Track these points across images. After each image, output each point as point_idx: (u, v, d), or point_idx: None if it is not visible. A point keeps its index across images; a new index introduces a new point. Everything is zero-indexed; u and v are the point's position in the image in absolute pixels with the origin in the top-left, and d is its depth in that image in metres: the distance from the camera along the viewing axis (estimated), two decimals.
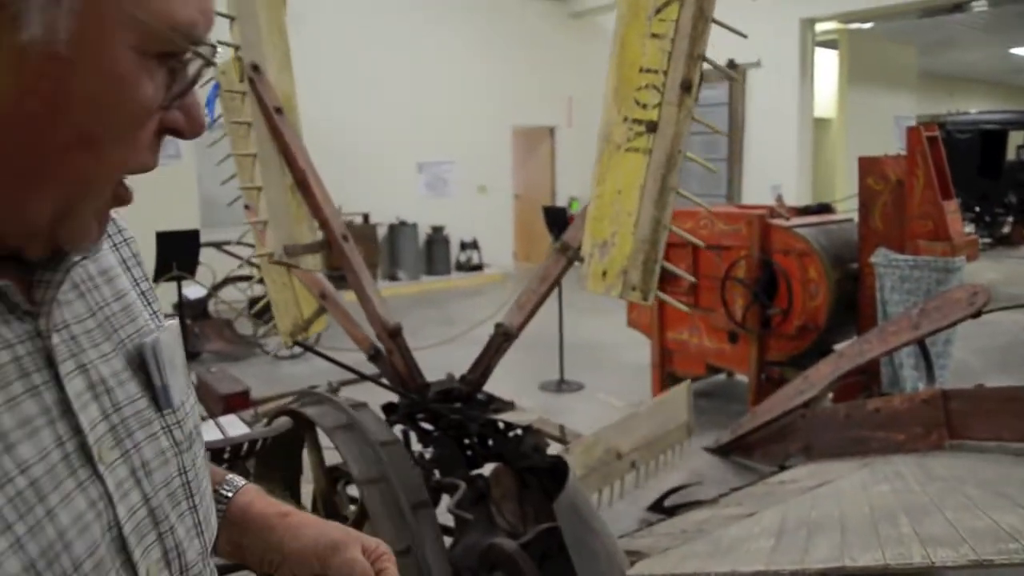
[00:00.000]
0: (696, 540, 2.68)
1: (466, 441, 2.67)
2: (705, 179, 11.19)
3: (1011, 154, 14.47)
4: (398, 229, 11.06)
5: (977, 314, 3.38)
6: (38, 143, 0.54)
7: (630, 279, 2.38)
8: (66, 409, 0.59)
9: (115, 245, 0.76)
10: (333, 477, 2.36)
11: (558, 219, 6.41)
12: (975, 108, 16.38)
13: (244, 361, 6.85)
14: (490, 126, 11.95)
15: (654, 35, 2.25)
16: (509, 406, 2.76)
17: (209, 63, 0.60)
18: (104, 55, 0.53)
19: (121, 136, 0.57)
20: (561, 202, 12.58)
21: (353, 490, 2.57)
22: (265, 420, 2.73)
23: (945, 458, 3.15)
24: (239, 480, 0.91)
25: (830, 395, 4.34)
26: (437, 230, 11.42)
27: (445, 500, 2.40)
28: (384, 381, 2.73)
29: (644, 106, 2.30)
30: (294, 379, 5.98)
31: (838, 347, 4.74)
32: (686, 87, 2.22)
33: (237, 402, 4.07)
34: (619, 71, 2.34)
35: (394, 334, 2.65)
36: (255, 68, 2.59)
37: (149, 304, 0.77)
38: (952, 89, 18.68)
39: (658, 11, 2.18)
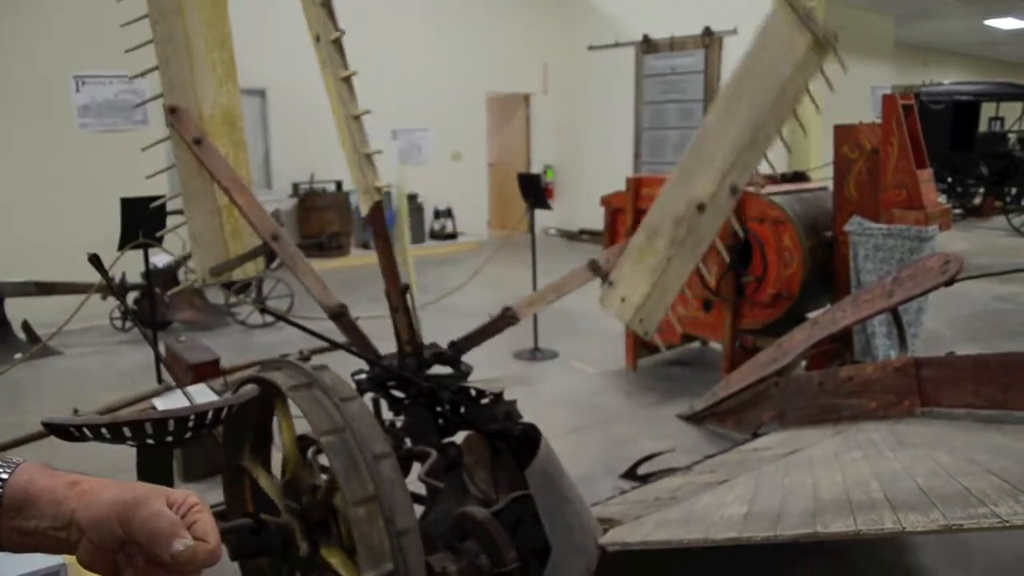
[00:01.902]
0: (669, 507, 2.67)
1: (438, 409, 2.64)
2: (680, 146, 11.16)
3: (983, 126, 14.57)
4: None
5: (950, 282, 3.39)
6: None
7: (640, 315, 3.00)
8: None
9: None
10: (303, 445, 2.31)
11: (532, 186, 6.35)
12: (949, 79, 16.45)
13: (215, 331, 6.76)
14: (465, 93, 11.81)
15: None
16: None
17: None
18: None
19: None
20: (536, 170, 12.51)
21: (324, 459, 2.54)
22: (233, 389, 2.68)
23: (916, 425, 3.17)
24: (15, 459, 0.79)
25: (803, 363, 4.36)
26: (411, 198, 11.30)
27: (417, 469, 2.38)
28: (356, 349, 2.69)
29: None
30: (266, 348, 5.92)
31: (812, 315, 4.76)
32: (733, 191, 3.10)
33: (207, 371, 4.01)
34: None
35: (337, 315, 2.68)
36: (172, 111, 2.83)
37: None
38: (927, 60, 18.72)
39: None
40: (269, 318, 6.86)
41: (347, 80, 2.88)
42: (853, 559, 3.05)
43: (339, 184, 10.42)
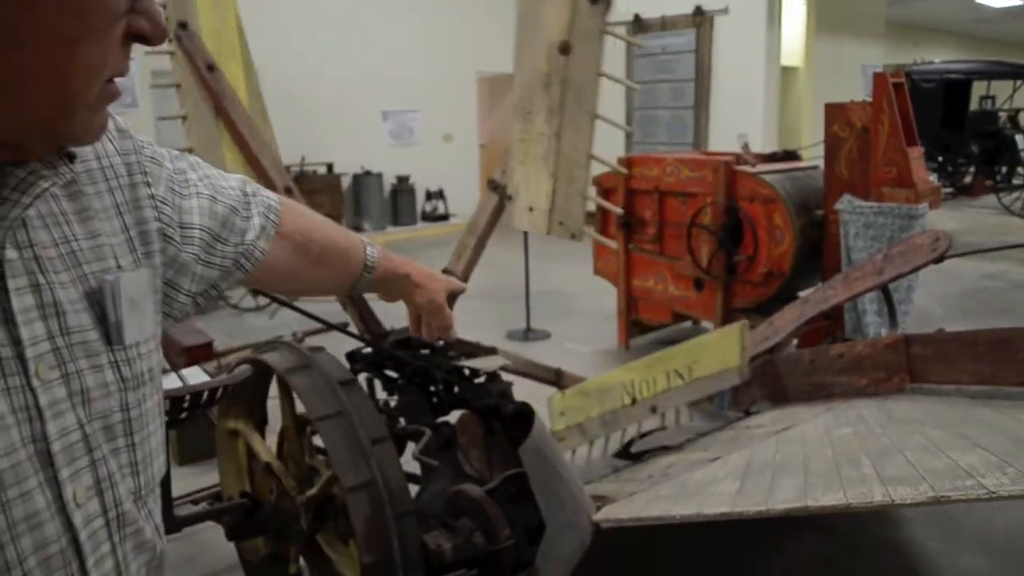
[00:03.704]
0: (661, 484, 2.70)
1: (431, 388, 2.65)
2: (672, 127, 11.14)
3: (974, 104, 14.58)
4: (363, 179, 10.92)
5: (939, 259, 3.41)
6: (19, 47, 0.58)
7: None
8: (8, 319, 0.63)
9: (117, 188, 0.79)
10: (300, 424, 2.33)
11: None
12: (940, 58, 16.44)
13: (208, 314, 6.76)
14: (455, 73, 11.76)
15: (667, 375, 3.27)
16: (490, 351, 2.75)
17: None
18: None
19: (92, 37, 0.61)
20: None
21: (320, 441, 2.55)
22: (227, 371, 2.69)
23: (906, 401, 3.19)
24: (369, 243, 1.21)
25: (795, 341, 4.38)
26: (402, 180, 11.28)
27: (411, 448, 2.40)
28: (351, 330, 2.69)
29: (640, 390, 3.20)
30: (259, 331, 5.92)
31: (803, 293, 4.78)
32: (653, 410, 3.24)
33: (200, 354, 4.00)
34: (653, 361, 3.36)
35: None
36: (182, 25, 2.59)
37: (138, 248, 0.80)
38: (919, 39, 18.72)
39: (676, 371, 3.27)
40: (262, 301, 6.86)
41: (595, 118, 2.64)
42: (843, 533, 3.09)
43: (330, 166, 10.39)
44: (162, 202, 0.84)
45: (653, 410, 3.29)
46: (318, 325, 2.88)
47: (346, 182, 10.81)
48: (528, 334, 5.98)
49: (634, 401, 3.30)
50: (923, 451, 2.23)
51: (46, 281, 0.67)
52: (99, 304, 0.72)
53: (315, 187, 10.01)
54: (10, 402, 0.62)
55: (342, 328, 2.74)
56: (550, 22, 2.56)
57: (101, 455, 0.70)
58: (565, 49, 2.50)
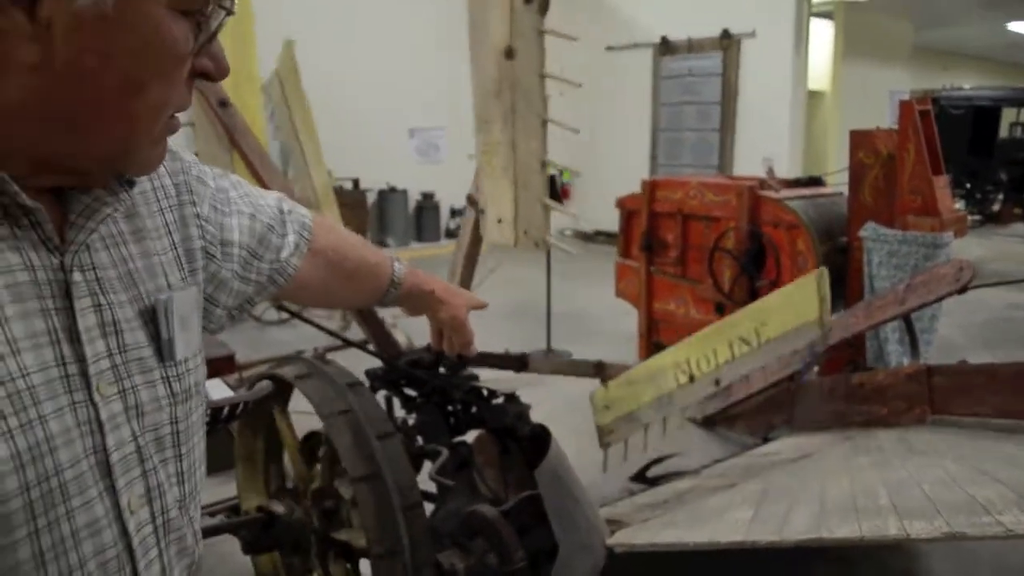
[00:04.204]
0: (676, 510, 2.69)
1: (449, 408, 2.67)
2: (697, 149, 11.16)
3: (1004, 131, 14.46)
4: (388, 195, 11.00)
5: (963, 290, 3.39)
6: (94, 91, 0.64)
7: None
8: (74, 337, 0.68)
9: (167, 208, 0.84)
10: (312, 443, 2.35)
11: (549, 187, 6.37)
12: (969, 84, 16.34)
13: (232, 326, 6.82)
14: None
15: (730, 345, 3.10)
16: (520, 358, 2.81)
17: (230, 12, 0.71)
18: (141, 12, 0.63)
19: (160, 79, 0.67)
20: (552, 171, 12.52)
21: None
22: (248, 385, 2.73)
23: (926, 433, 3.17)
24: (397, 259, 1.27)
25: (816, 368, 4.36)
26: (427, 196, 11.35)
27: (427, 468, 2.41)
28: (370, 348, 2.72)
29: (698, 367, 3.09)
30: (281, 345, 5.96)
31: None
32: (716, 383, 3.09)
33: (222, 366, 4.04)
34: (710, 334, 3.19)
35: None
36: None
37: (185, 265, 0.85)
38: (947, 64, 18.61)
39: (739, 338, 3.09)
40: (285, 314, 6.92)
41: (546, 123, 2.72)
42: (859, 564, 3.06)
43: (356, 182, 10.47)
44: (206, 221, 0.89)
45: (717, 383, 3.15)
46: (338, 341, 2.92)
47: (371, 198, 10.89)
48: (549, 354, 5.98)
49: (692, 379, 3.16)
50: (941, 484, 2.22)
51: (106, 301, 0.71)
52: (153, 322, 0.77)
53: (341, 202, 10.02)
54: (75, 416, 0.67)
55: (362, 345, 2.77)
56: (495, 28, 2.66)
57: (152, 466, 0.75)
58: (510, 54, 2.62)
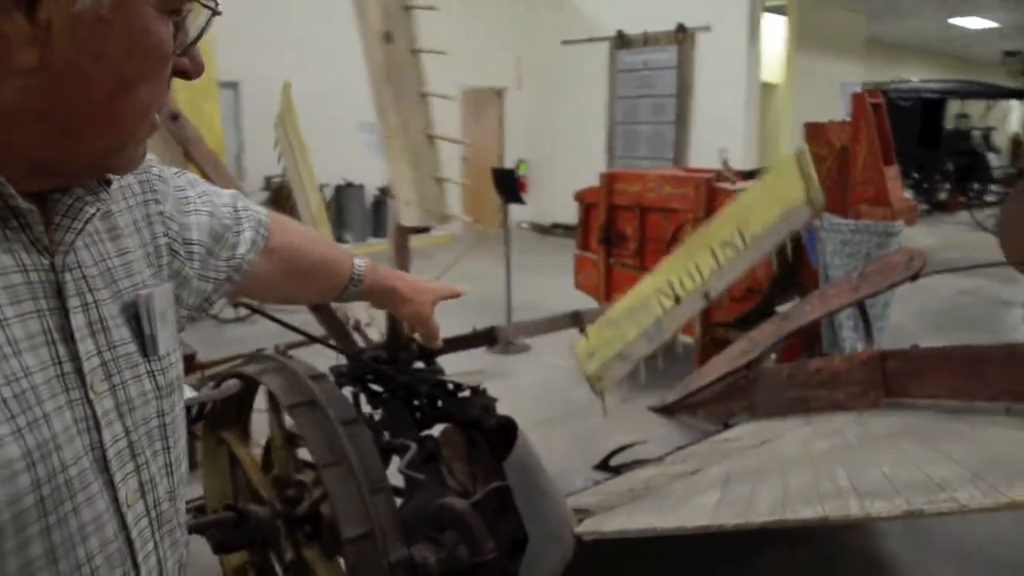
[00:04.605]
0: (643, 497, 2.73)
1: (415, 402, 2.67)
2: (653, 142, 11.26)
3: (950, 123, 14.82)
4: (345, 191, 10.91)
5: (914, 277, 3.48)
6: (89, 93, 0.64)
7: (600, 372, 3.11)
8: (68, 336, 0.69)
9: (134, 205, 0.84)
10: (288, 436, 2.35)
11: (507, 181, 6.40)
12: (916, 77, 16.71)
13: (188, 325, 6.73)
14: (438, 87, 11.76)
15: (713, 254, 3.09)
16: (487, 332, 2.88)
17: (216, 12, 0.72)
18: (133, 14, 0.64)
19: (148, 79, 0.68)
20: (509, 164, 12.54)
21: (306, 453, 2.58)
22: (211, 384, 2.71)
23: (882, 416, 3.25)
24: (359, 260, 1.28)
25: (773, 356, 4.44)
26: (384, 191, 11.28)
27: (395, 462, 2.41)
28: (332, 342, 2.72)
29: (682, 286, 3.06)
30: (240, 342, 5.89)
31: (781, 309, 4.84)
32: (706, 296, 3.11)
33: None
34: (685, 252, 3.21)
35: (318, 305, 2.69)
36: None
37: (155, 262, 0.85)
38: (897, 57, 19.01)
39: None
40: (242, 311, 6.84)
41: (424, 97, 2.76)
42: (820, 545, 3.13)
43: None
44: (169, 218, 0.89)
45: (706, 296, 3.05)
46: (301, 337, 2.90)
47: (328, 193, 10.80)
48: (508, 347, 6.00)
49: (678, 300, 3.07)
50: (899, 465, 2.28)
51: (92, 299, 0.72)
52: (135, 318, 0.78)
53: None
54: (73, 414, 0.68)
55: (325, 341, 2.76)
56: (372, 14, 2.73)
57: (144, 460, 0.76)
58: (388, 37, 2.71)
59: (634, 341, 3.10)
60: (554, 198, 11.61)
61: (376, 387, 2.68)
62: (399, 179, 2.77)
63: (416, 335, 1.50)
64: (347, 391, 2.62)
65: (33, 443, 0.62)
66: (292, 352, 3.80)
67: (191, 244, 0.93)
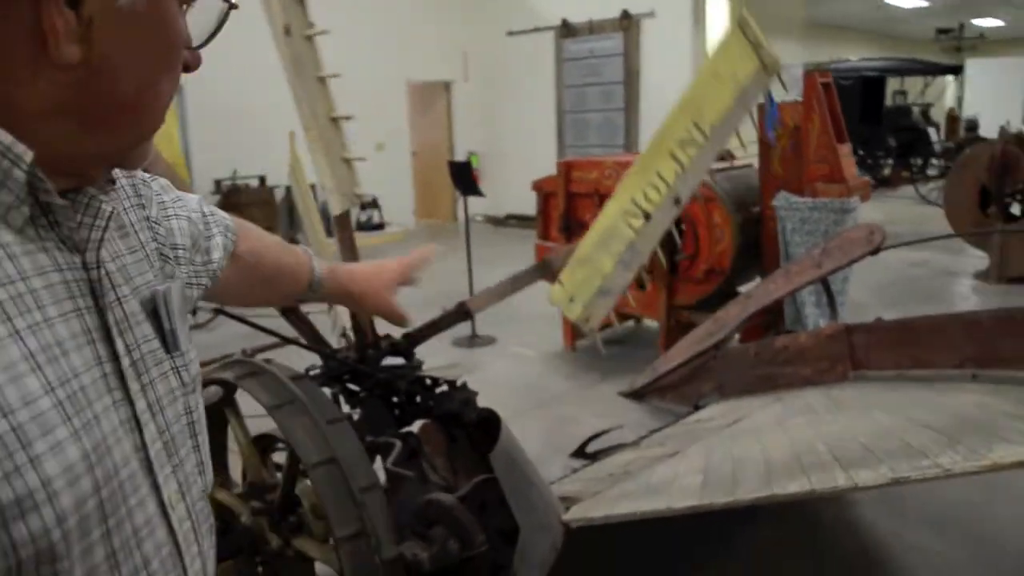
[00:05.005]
0: (626, 482, 2.75)
1: (394, 399, 2.65)
2: (603, 129, 11.31)
3: (889, 100, 15.15)
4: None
5: (876, 251, 3.55)
6: (119, 86, 0.64)
7: (586, 313, 3.12)
8: (105, 335, 0.67)
9: (131, 207, 0.83)
10: (262, 446, 2.31)
11: (463, 174, 6.37)
12: (856, 56, 17.02)
13: None
14: (385, 82, 11.70)
15: (674, 157, 2.95)
16: (459, 308, 2.85)
17: (233, 6, 0.73)
18: (163, 7, 0.65)
19: (168, 73, 0.68)
20: (459, 157, 12.50)
21: (279, 457, 2.54)
22: None
23: (850, 389, 3.32)
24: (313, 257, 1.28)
25: (737, 335, 4.50)
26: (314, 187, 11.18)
27: (377, 461, 2.39)
28: (305, 342, 2.68)
29: (648, 200, 3.00)
30: (206, 348, 5.78)
31: (743, 289, 4.91)
32: (676, 202, 3.02)
33: None
34: (641, 165, 3.09)
35: (287, 309, 2.65)
36: None
37: (155, 263, 0.83)
38: (834, 38, 19.34)
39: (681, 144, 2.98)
40: (200, 318, 6.72)
41: (323, 80, 2.76)
42: (797, 519, 3.18)
43: (262, 179, 10.24)
44: (156, 223, 0.87)
45: (677, 202, 2.96)
46: (268, 340, 2.86)
47: (279, 194, 10.66)
48: (474, 340, 5.99)
49: (647, 216, 2.96)
50: (875, 435, 2.32)
51: (116, 296, 0.70)
52: (154, 314, 0.76)
53: (248, 201, 9.86)
54: (118, 415, 0.66)
55: (299, 342, 2.72)
56: (274, 11, 2.73)
57: (178, 460, 0.74)
58: (288, 31, 2.71)
59: (612, 272, 3.02)
60: (507, 189, 11.60)
61: (353, 387, 2.65)
62: (321, 169, 2.77)
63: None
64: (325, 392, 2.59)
65: (90, 445, 0.61)
66: (259, 356, 3.75)
67: (177, 249, 0.91)
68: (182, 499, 0.74)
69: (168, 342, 0.76)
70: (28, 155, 0.60)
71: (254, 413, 2.23)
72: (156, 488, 0.70)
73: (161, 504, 0.70)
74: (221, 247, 1.03)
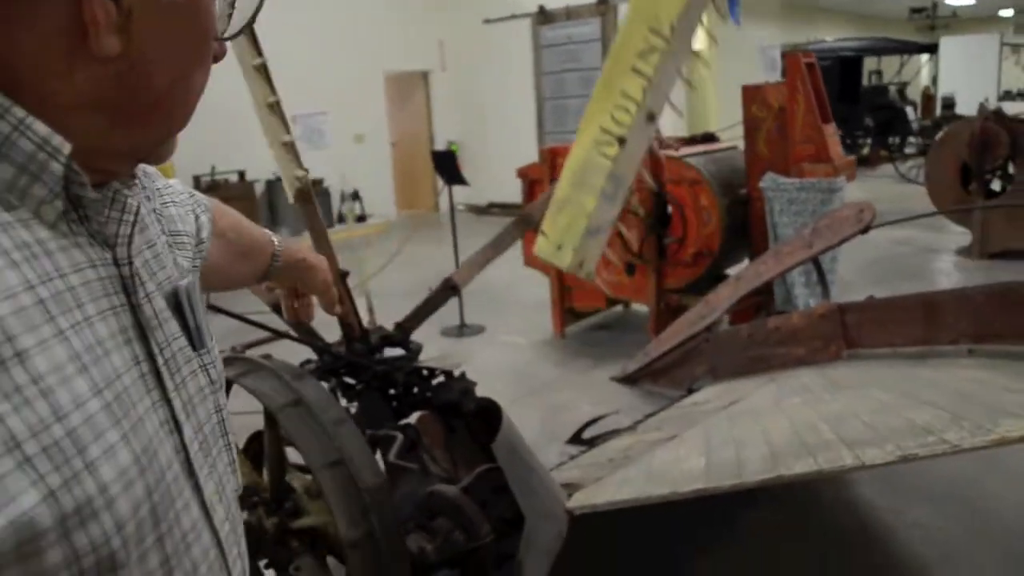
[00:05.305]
0: (627, 467, 2.73)
1: (391, 391, 2.62)
2: (582, 116, 11.27)
3: (865, 80, 15.21)
4: (276, 185, 10.66)
5: (865, 230, 3.55)
6: (155, 79, 0.62)
7: (578, 257, 2.73)
8: (139, 334, 0.64)
9: (144, 199, 0.79)
10: (254, 450, 2.28)
11: (447, 163, 6.33)
12: (832, 36, 17.08)
13: None
14: (361, 73, 11.61)
15: (636, 71, 2.69)
16: (446, 283, 2.78)
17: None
18: None
19: (200, 64, 0.66)
20: (440, 147, 12.43)
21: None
22: None
23: (845, 368, 3.32)
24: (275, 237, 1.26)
25: (727, 317, 4.50)
26: (316, 183, 11.09)
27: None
28: (302, 336, 2.64)
29: (618, 123, 2.73)
30: None
31: (731, 271, 4.91)
32: (651, 118, 2.69)
33: None
34: (603, 89, 2.79)
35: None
36: None
37: (169, 252, 0.80)
38: (810, 19, 19.39)
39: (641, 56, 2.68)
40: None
41: (260, 69, 2.76)
42: (794, 500, 3.19)
43: (242, 174, 10.14)
44: (160, 214, 0.86)
45: (652, 117, 2.70)
46: (257, 336, 2.82)
47: (259, 188, 10.57)
48: (463, 329, 5.96)
49: (622, 140, 2.71)
50: (876, 413, 2.32)
51: (146, 293, 0.67)
52: (178, 310, 0.73)
53: (228, 195, 9.74)
54: (158, 416, 0.64)
55: (293, 336, 2.68)
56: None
57: (212, 459, 0.72)
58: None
59: (596, 209, 2.75)
60: (488, 178, 11.55)
61: (350, 380, 2.62)
62: (276, 161, 2.75)
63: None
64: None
65: (139, 448, 0.59)
66: (247, 351, 3.70)
67: (179, 236, 0.90)
68: (220, 500, 0.72)
69: (194, 339, 0.74)
70: (66, 147, 0.57)
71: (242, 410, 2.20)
72: (198, 490, 0.67)
73: (203, 506, 0.68)
74: (207, 227, 1.02)
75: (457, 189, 6.42)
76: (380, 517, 1.89)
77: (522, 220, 2.97)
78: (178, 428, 0.66)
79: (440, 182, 6.52)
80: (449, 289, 2.81)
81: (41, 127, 0.56)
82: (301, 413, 1.98)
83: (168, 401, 0.66)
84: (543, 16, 11.43)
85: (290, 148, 2.82)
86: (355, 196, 11.54)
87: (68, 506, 0.51)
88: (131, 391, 0.60)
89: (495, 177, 10.59)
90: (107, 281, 0.63)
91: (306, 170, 2.85)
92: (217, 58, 0.70)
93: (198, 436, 0.70)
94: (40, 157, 0.56)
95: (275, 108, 2.83)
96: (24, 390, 0.50)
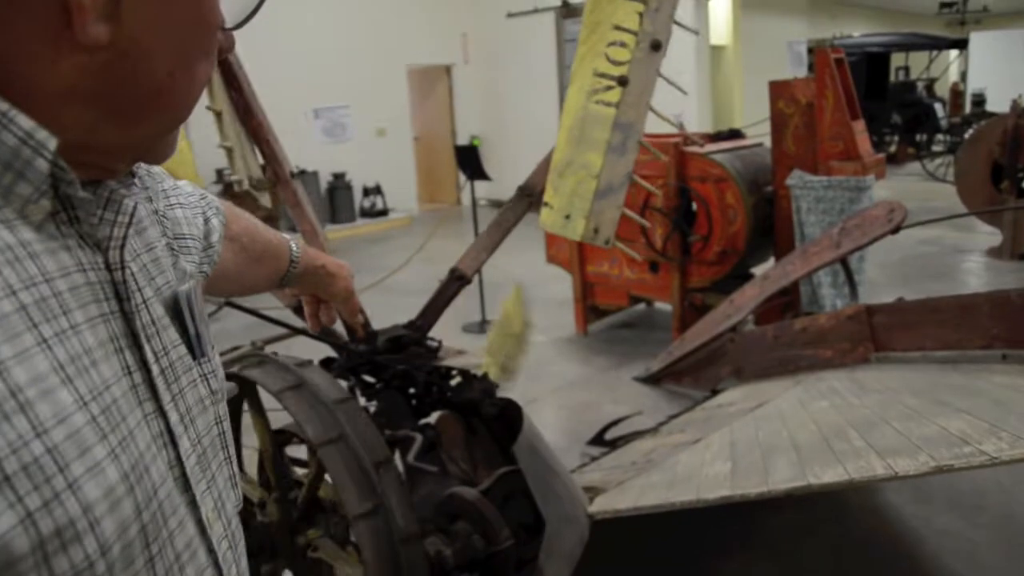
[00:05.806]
0: (650, 471, 2.69)
1: (411, 391, 2.59)
2: None
3: (892, 76, 15.00)
4: (298, 178, 10.70)
5: (896, 230, 3.47)
6: (150, 71, 0.58)
7: (592, 224, 2.39)
8: (132, 342, 0.61)
9: (144, 200, 0.75)
10: (279, 440, 2.25)
11: (470, 158, 6.29)
12: (857, 32, 16.85)
13: None
14: (385, 67, 11.59)
15: None
16: (454, 272, 2.72)
17: None
18: None
19: (203, 55, 0.62)
20: (462, 141, 12.40)
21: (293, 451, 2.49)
22: None
23: (873, 371, 3.25)
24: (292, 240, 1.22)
25: (752, 317, 4.44)
26: (338, 177, 11.10)
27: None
28: (321, 335, 2.61)
29: (615, 62, 2.33)
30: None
31: (756, 270, 4.84)
32: (656, 47, 2.27)
33: None
34: (590, 28, 2.37)
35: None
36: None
37: (170, 259, 0.76)
38: (838, 14, 19.14)
39: None
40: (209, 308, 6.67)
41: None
42: (821, 504, 3.13)
43: (264, 168, 10.16)
44: (163, 216, 0.82)
45: (656, 46, 2.29)
46: (275, 332, 2.80)
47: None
48: (484, 326, 5.92)
49: (623, 81, 2.30)
50: (907, 420, 2.25)
51: (142, 299, 0.64)
52: (177, 317, 0.70)
53: (250, 191, 9.78)
54: (150, 429, 0.60)
55: (309, 333, 2.65)
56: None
57: (211, 474, 0.69)
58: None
59: (604, 166, 2.39)
60: (510, 172, 11.47)
61: (369, 378, 2.59)
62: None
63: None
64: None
65: (128, 464, 0.55)
66: (269, 348, 3.69)
67: (185, 239, 0.86)
68: (219, 517, 0.68)
69: (194, 347, 0.70)
70: (52, 142, 0.53)
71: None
72: (194, 507, 0.64)
73: (199, 524, 0.64)
74: (218, 230, 0.98)
75: (479, 183, 6.38)
76: (386, 488, 1.86)
77: (521, 194, 2.69)
78: (173, 441, 0.63)
79: (462, 177, 6.48)
80: (457, 280, 2.71)
81: (25, 120, 0.52)
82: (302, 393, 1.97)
83: (163, 413, 0.62)
84: (567, 9, 11.37)
85: (229, 152, 2.85)
86: (377, 190, 11.54)
87: (47, 529, 0.48)
88: (121, 403, 0.57)
89: (518, 172, 10.54)
90: (97, 286, 0.59)
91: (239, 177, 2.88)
92: (225, 50, 0.67)
93: (196, 449, 0.66)
94: (24, 153, 0.52)
95: (219, 115, 2.82)
96: (1, 404, 0.47)
